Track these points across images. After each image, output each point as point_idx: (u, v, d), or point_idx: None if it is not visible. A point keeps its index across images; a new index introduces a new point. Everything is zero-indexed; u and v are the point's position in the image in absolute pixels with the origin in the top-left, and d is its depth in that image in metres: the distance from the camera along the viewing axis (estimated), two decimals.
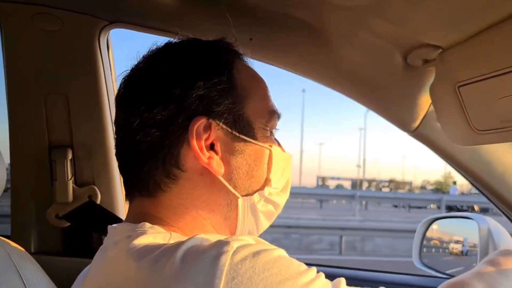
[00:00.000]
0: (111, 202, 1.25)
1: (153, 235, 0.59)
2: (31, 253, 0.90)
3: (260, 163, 0.68)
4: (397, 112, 1.13)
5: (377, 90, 1.10)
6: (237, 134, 0.66)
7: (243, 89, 0.67)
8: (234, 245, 0.51)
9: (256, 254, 0.51)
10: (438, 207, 21.10)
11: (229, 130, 0.65)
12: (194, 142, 0.62)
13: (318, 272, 0.55)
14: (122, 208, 1.27)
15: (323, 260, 8.02)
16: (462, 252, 1.34)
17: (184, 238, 0.56)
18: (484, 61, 0.79)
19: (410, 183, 67.27)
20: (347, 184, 59.49)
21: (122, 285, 0.56)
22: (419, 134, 1.14)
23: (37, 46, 1.15)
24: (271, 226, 0.76)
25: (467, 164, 1.13)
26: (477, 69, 0.80)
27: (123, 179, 0.69)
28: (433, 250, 1.44)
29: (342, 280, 0.59)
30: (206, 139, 0.64)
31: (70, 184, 1.22)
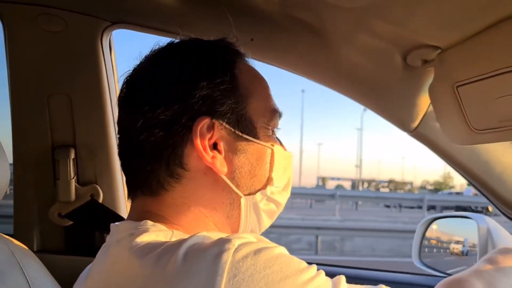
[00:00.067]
0: (113, 200, 1.26)
1: (155, 233, 0.59)
2: (34, 252, 0.90)
3: (262, 162, 0.69)
4: (397, 112, 1.14)
5: (376, 90, 1.11)
6: (240, 134, 0.66)
7: (245, 88, 0.68)
8: (236, 242, 0.52)
9: (258, 252, 0.52)
10: (419, 207, 21.23)
11: (232, 129, 0.66)
12: (198, 142, 0.63)
13: (318, 270, 0.56)
14: (124, 206, 1.28)
15: (322, 260, 8.02)
16: (462, 252, 1.35)
17: (186, 236, 0.57)
18: (482, 61, 0.79)
19: (410, 183, 67.13)
20: (347, 185, 59.41)
21: (124, 283, 0.57)
22: (418, 134, 1.14)
23: (40, 47, 1.16)
24: None
25: (466, 164, 1.14)
26: (475, 69, 0.80)
27: (126, 178, 0.70)
28: (435, 250, 1.44)
29: (342, 278, 0.60)
30: (209, 139, 0.64)
31: (73, 183, 1.23)
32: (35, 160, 1.24)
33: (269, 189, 0.70)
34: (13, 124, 1.23)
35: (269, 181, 0.70)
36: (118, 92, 1.25)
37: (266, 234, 0.69)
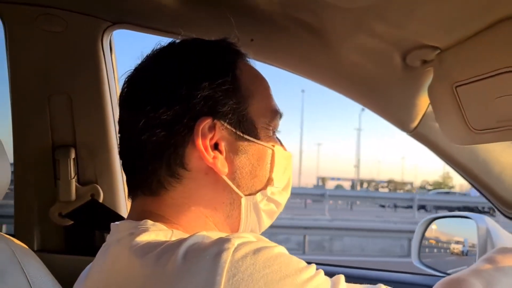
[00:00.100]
0: (114, 200, 1.26)
1: (155, 232, 0.59)
2: (34, 251, 0.90)
3: (263, 162, 0.69)
4: (396, 112, 1.14)
5: (376, 90, 1.11)
6: (241, 134, 0.66)
7: (247, 89, 0.68)
8: (235, 242, 0.52)
9: (257, 251, 0.52)
10: (410, 206, 21.30)
11: (233, 130, 0.66)
12: (199, 142, 0.63)
13: (317, 269, 0.56)
14: (124, 206, 1.28)
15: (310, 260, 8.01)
16: (462, 252, 1.35)
17: (185, 235, 0.57)
18: (481, 61, 0.80)
19: (410, 184, 67.09)
20: (346, 185, 59.39)
21: (124, 282, 0.57)
22: (417, 134, 1.14)
23: (41, 47, 1.16)
24: None
25: (465, 164, 1.14)
26: (474, 69, 0.80)
27: (126, 177, 0.70)
28: (435, 250, 1.45)
29: (341, 277, 0.60)
30: (211, 139, 0.64)
31: (73, 183, 1.23)
32: (36, 160, 1.24)
33: (269, 190, 0.70)
34: (13, 124, 1.23)
35: (269, 181, 0.70)
36: (118, 92, 1.26)
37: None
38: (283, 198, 0.74)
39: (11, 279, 0.76)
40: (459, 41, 0.83)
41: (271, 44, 1.07)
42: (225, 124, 0.65)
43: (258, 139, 0.68)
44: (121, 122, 0.70)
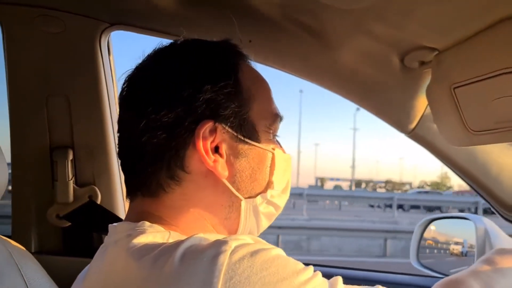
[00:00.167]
0: (111, 202, 1.26)
1: (152, 234, 0.59)
2: (32, 253, 0.90)
3: (263, 166, 0.69)
4: (394, 113, 1.14)
5: (374, 91, 1.11)
6: (242, 138, 0.66)
7: (248, 92, 0.68)
8: (232, 244, 0.52)
9: (254, 253, 0.52)
10: (388, 206, 21.41)
11: (235, 133, 0.65)
12: (201, 146, 0.62)
13: (315, 271, 0.56)
14: (122, 208, 1.28)
15: (321, 261, 8.03)
16: (462, 253, 1.35)
17: (183, 237, 0.57)
18: (479, 63, 0.80)
19: (409, 184, 67.18)
20: (345, 185, 59.47)
21: (122, 284, 0.57)
22: (416, 135, 1.14)
23: (39, 48, 1.16)
24: None
25: (463, 165, 1.14)
26: (472, 71, 0.81)
27: (125, 178, 0.69)
28: (435, 251, 1.45)
29: (339, 279, 0.60)
30: (212, 142, 0.64)
31: (71, 185, 1.23)
32: (33, 161, 1.24)
33: (269, 193, 0.70)
34: (11, 125, 1.23)
35: (269, 184, 0.70)
36: (116, 93, 1.26)
37: None
38: (282, 200, 0.74)
39: (8, 281, 0.76)
40: (457, 42, 0.83)
41: (270, 45, 1.07)
42: (227, 128, 0.65)
43: (259, 142, 0.68)
44: (120, 121, 0.69)
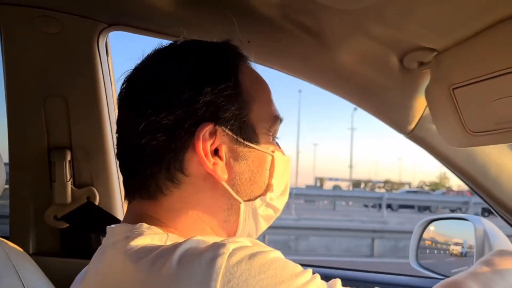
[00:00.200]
0: (110, 203, 1.26)
1: (150, 236, 0.59)
2: (29, 254, 0.90)
3: (263, 169, 0.69)
4: (393, 114, 1.14)
5: (373, 92, 1.11)
6: (242, 141, 0.66)
7: (248, 94, 0.67)
8: (230, 247, 0.52)
9: (252, 256, 0.52)
10: (374, 206, 21.44)
11: (234, 136, 0.65)
12: (200, 148, 0.62)
13: (314, 273, 0.56)
14: (120, 209, 1.27)
15: (320, 261, 8.03)
16: (461, 253, 1.35)
17: (181, 239, 0.56)
18: (478, 63, 0.79)
19: (408, 184, 67.27)
20: (344, 185, 59.50)
21: (120, 287, 0.56)
22: (415, 136, 1.14)
23: (37, 49, 1.16)
24: None
25: (462, 166, 1.14)
26: (471, 71, 0.80)
27: (124, 179, 0.69)
28: (435, 252, 1.45)
29: (338, 281, 0.59)
30: (211, 145, 0.63)
31: (69, 186, 1.23)
32: (31, 162, 1.23)
33: (268, 195, 0.70)
34: (9, 126, 1.23)
35: (268, 187, 0.70)
36: (114, 94, 1.26)
37: None
38: (281, 203, 0.74)
39: (6, 283, 0.76)
40: (457, 43, 0.83)
41: (269, 45, 1.07)
42: (226, 130, 0.64)
43: (258, 145, 0.67)
44: (119, 122, 0.69)
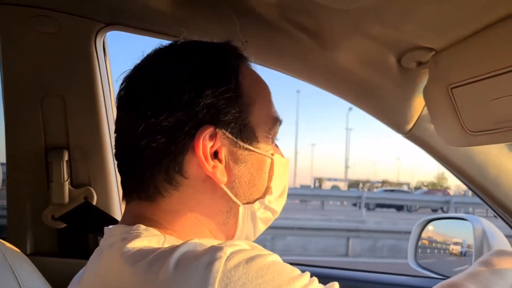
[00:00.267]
0: (107, 203, 1.25)
1: (147, 238, 0.58)
2: (27, 255, 0.89)
3: (262, 172, 0.68)
4: (391, 113, 1.14)
5: (371, 92, 1.11)
6: (242, 144, 0.65)
7: (249, 96, 0.67)
8: (228, 251, 0.51)
9: (250, 260, 0.51)
10: (354, 204, 21.60)
11: (234, 139, 0.65)
12: (200, 151, 0.61)
13: (312, 276, 0.56)
14: (118, 209, 1.27)
15: (320, 262, 8.03)
16: (461, 253, 1.35)
17: (178, 242, 0.56)
18: (476, 63, 0.79)
19: (407, 184, 67.31)
20: (343, 185, 59.53)
21: None
22: (413, 136, 1.14)
23: (34, 48, 1.15)
24: None
25: (461, 166, 1.14)
26: (469, 71, 0.80)
27: (122, 180, 0.68)
28: (436, 251, 1.45)
29: (336, 285, 0.59)
30: (211, 148, 0.63)
31: (66, 186, 1.22)
32: (28, 162, 1.23)
33: (267, 198, 0.69)
34: (6, 126, 1.22)
35: (267, 190, 0.69)
36: (112, 94, 1.25)
37: None
38: (280, 205, 0.73)
39: (2, 283, 0.75)
40: (455, 43, 0.83)
41: (267, 45, 1.07)
42: (227, 133, 0.64)
43: (258, 148, 0.67)
44: (118, 122, 0.68)
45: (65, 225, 1.24)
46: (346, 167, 55.90)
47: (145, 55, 0.69)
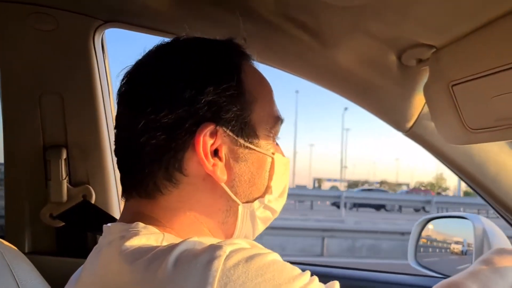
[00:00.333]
0: (106, 201, 1.25)
1: (146, 236, 0.58)
2: (25, 253, 0.89)
3: (262, 171, 0.68)
4: (392, 111, 1.14)
5: (371, 90, 1.10)
6: (242, 142, 0.65)
7: (250, 94, 0.66)
8: (227, 249, 0.51)
9: (249, 259, 0.51)
10: (334, 204, 21.59)
11: (235, 137, 0.64)
12: (200, 149, 0.61)
13: (312, 275, 0.55)
14: (117, 207, 1.27)
15: (320, 261, 8.03)
16: (462, 251, 1.35)
17: (177, 240, 0.56)
18: (477, 60, 0.79)
19: (406, 185, 67.43)
20: (342, 186, 59.62)
21: None
22: (413, 134, 1.14)
23: (32, 46, 1.15)
24: None
25: (461, 164, 1.13)
26: (470, 68, 0.80)
27: (121, 177, 0.68)
28: (437, 250, 1.45)
29: (336, 284, 0.59)
30: (211, 145, 0.63)
31: (65, 184, 1.22)
32: (26, 160, 1.22)
33: (267, 198, 0.69)
34: (4, 124, 1.22)
35: (267, 189, 0.69)
36: (111, 92, 1.25)
37: None
38: (279, 205, 0.73)
39: (0, 282, 0.75)
40: (455, 40, 0.82)
41: (266, 43, 1.06)
42: (227, 131, 0.63)
43: (259, 147, 0.67)
44: (118, 119, 0.68)
45: (64, 223, 1.23)
46: (343, 167, 55.91)
47: (146, 51, 0.69)
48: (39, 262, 0.90)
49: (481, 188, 1.15)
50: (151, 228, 0.60)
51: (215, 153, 0.63)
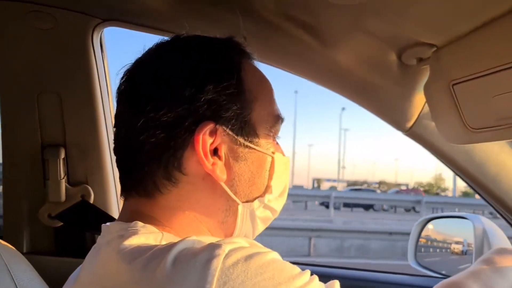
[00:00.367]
0: (105, 201, 1.25)
1: (145, 235, 0.58)
2: (23, 253, 0.89)
3: (262, 170, 0.68)
4: (392, 111, 1.13)
5: (372, 89, 1.10)
6: (242, 141, 0.64)
7: (251, 93, 0.66)
8: (226, 248, 0.51)
9: (249, 257, 0.50)
10: (322, 204, 21.67)
11: (235, 136, 0.64)
12: (200, 148, 0.61)
13: (312, 274, 0.55)
14: (115, 207, 1.26)
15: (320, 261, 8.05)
16: (462, 251, 1.35)
17: (176, 239, 0.55)
18: (478, 59, 0.79)
19: (406, 185, 67.51)
20: (341, 186, 59.67)
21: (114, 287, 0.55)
22: (413, 133, 1.13)
23: (30, 44, 1.14)
24: None
25: (462, 163, 1.13)
26: (471, 67, 0.80)
27: (120, 176, 0.67)
28: (437, 250, 1.45)
29: (336, 283, 0.59)
30: (211, 144, 0.62)
31: (63, 184, 1.21)
32: (24, 159, 1.22)
33: (266, 197, 0.69)
34: (2, 123, 1.22)
35: (267, 189, 0.69)
36: (110, 91, 1.24)
37: None
38: (279, 204, 0.73)
39: None
40: (456, 39, 0.82)
41: (266, 42, 1.06)
42: (227, 130, 0.63)
43: (259, 146, 0.66)
44: (117, 117, 0.67)
45: (62, 223, 1.23)
46: (341, 167, 55.98)
47: (146, 49, 0.68)
48: (38, 262, 0.90)
49: (482, 188, 1.15)
50: (150, 227, 0.60)
51: (215, 152, 0.63)
